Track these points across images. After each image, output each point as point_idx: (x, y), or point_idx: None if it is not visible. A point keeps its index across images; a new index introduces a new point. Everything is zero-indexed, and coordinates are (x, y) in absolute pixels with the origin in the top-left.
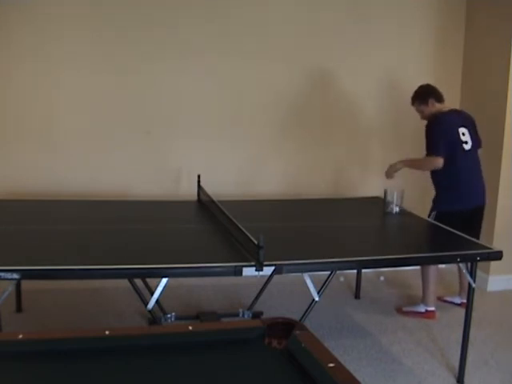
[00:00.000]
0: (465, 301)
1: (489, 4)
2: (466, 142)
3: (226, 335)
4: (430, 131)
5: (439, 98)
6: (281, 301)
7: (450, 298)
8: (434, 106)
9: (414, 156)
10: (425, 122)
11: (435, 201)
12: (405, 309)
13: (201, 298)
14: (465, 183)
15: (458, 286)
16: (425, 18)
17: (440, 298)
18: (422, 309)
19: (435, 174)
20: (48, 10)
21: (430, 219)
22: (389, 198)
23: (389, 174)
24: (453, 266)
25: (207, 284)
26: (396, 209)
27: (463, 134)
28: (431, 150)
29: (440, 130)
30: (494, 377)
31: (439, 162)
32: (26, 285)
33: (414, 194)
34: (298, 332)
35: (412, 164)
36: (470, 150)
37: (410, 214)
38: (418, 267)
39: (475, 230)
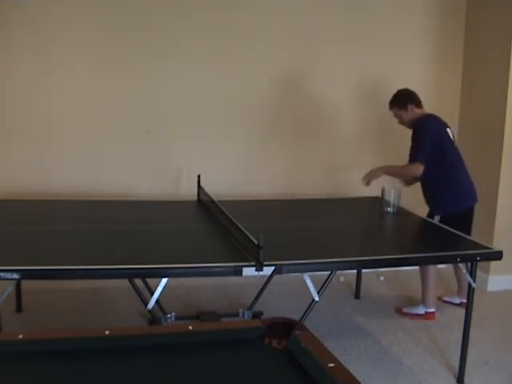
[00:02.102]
0: (464, 300)
1: (489, 4)
2: (453, 142)
3: (226, 335)
4: (416, 135)
5: (418, 103)
6: (281, 301)
7: (448, 298)
8: (413, 112)
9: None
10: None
11: (436, 204)
12: (404, 310)
13: (201, 298)
14: (463, 182)
15: (456, 285)
16: (425, 18)
17: (439, 298)
18: (421, 310)
19: (432, 176)
20: (48, 10)
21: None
22: (386, 197)
23: (367, 180)
24: (450, 266)
25: (207, 284)
26: (393, 208)
27: (452, 134)
28: (413, 156)
29: (428, 132)
30: (493, 377)
31: (419, 169)
32: (26, 285)
33: (413, 194)
34: (297, 332)
35: (392, 171)
36: (457, 149)
37: (409, 214)
38: (418, 267)
39: (469, 230)
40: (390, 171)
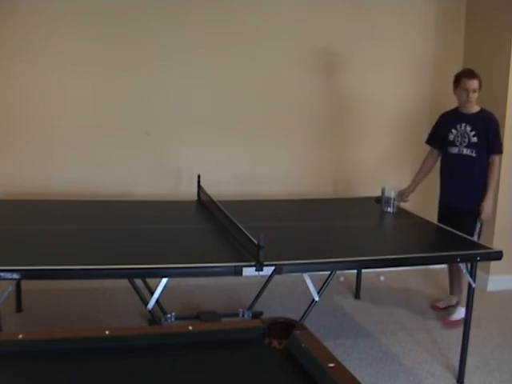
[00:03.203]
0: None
1: (489, 4)
2: None
3: (226, 335)
4: (496, 128)
5: None
6: (281, 301)
7: (444, 304)
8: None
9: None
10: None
11: (476, 204)
12: (451, 319)
13: (201, 298)
14: None
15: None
16: (425, 17)
17: (437, 308)
18: (463, 313)
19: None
20: (48, 10)
21: (477, 229)
22: (386, 197)
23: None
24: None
25: (207, 284)
26: (393, 208)
27: None
28: (500, 148)
29: None
30: (493, 377)
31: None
32: (26, 285)
33: (412, 194)
34: (298, 332)
35: (494, 184)
36: None
37: (409, 214)
38: (418, 267)
39: None
40: (494, 186)
